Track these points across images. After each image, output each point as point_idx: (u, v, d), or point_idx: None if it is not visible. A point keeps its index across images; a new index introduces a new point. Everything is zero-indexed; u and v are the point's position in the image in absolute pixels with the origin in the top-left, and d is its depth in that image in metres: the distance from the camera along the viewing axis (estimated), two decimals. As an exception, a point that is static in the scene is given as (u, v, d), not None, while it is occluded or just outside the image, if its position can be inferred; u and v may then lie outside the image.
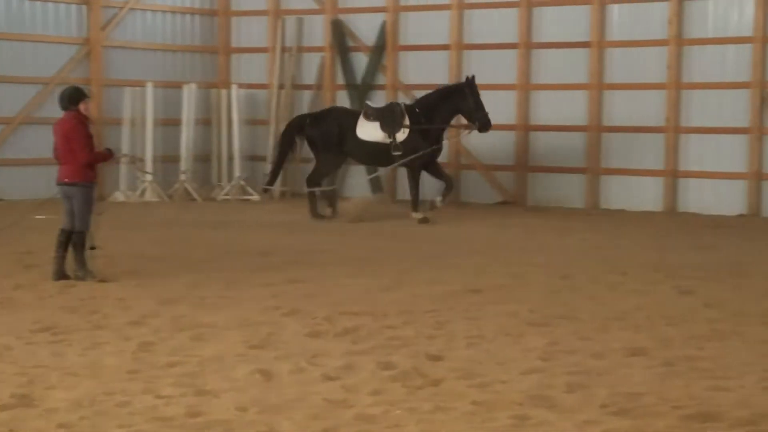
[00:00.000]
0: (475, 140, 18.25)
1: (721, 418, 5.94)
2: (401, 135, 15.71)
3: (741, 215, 16.61)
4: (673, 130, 17.10)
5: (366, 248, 13.07)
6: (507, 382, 6.69)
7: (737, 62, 16.63)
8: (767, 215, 16.52)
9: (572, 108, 17.87)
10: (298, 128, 16.46)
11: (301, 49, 20.13)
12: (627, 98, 17.11)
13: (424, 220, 15.45)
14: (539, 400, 6.28)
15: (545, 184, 18.18)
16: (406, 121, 15.72)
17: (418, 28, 19.12)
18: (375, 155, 16.13)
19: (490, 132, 16.41)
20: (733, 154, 16.75)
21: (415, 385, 6.60)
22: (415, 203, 15.79)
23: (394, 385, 6.63)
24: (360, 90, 19.47)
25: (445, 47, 18.81)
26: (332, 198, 16.42)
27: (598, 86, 17.65)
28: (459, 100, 15.67)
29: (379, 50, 19.40)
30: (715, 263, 11.87)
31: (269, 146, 19.75)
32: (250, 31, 20.58)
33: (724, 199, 16.79)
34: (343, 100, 19.64)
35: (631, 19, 17.46)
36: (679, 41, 16.99)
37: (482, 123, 15.56)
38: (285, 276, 10.76)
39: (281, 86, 20.01)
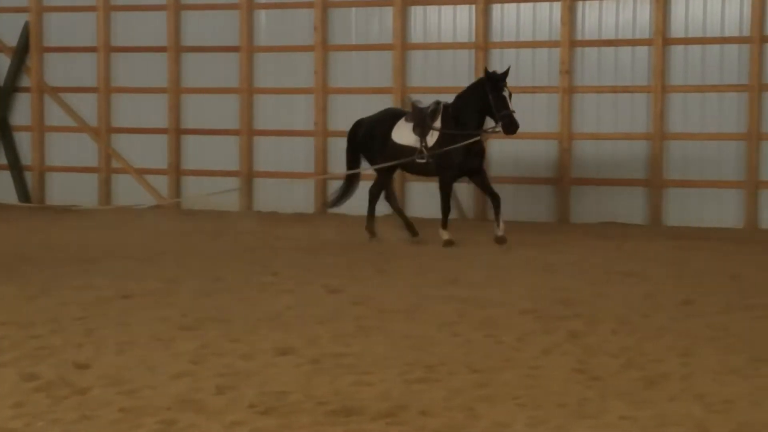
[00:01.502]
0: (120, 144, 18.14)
1: (364, 412, 6.17)
2: (430, 139, 13.76)
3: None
4: (321, 134, 17.52)
5: (12, 256, 12.58)
6: (156, 388, 6.66)
7: (380, 68, 17.31)
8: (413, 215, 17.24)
9: (225, 111, 17.97)
10: (352, 136, 14.70)
11: (-62, 49, 19.12)
12: (276, 102, 17.37)
13: (449, 243, 13.59)
14: (188, 404, 6.29)
15: (203, 187, 18.13)
16: (438, 123, 13.76)
17: (64, 29, 18.62)
18: (407, 162, 14.05)
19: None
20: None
21: (61, 395, 6.44)
22: (444, 220, 13.78)
23: (38, 395, 6.44)
24: (2, 92, 18.75)
25: (92, 49, 18.42)
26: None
27: (248, 90, 17.84)
28: (480, 98, 13.43)
29: (21, 52, 18.72)
30: (362, 261, 12.30)
31: None
32: None
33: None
34: (-15, 102, 18.85)
35: (279, 24, 17.77)
36: (326, 47, 17.48)
37: (505, 123, 13.24)
38: None
39: None
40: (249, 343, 7.97)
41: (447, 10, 17.02)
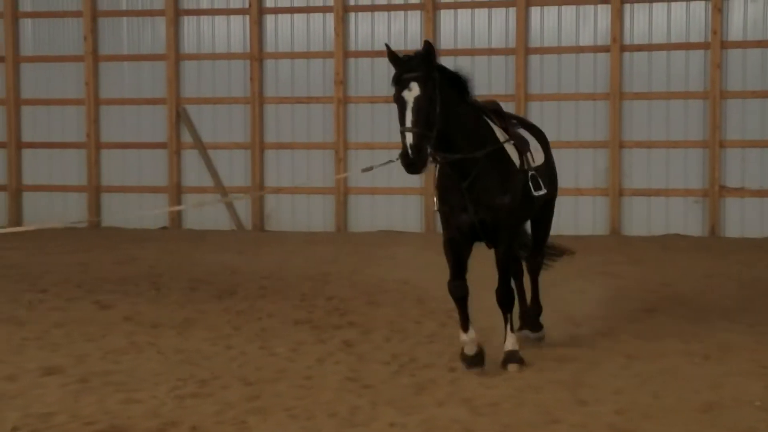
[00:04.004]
0: None
1: (132, 430, 6.04)
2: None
3: (164, 228, 17.02)
4: (94, 146, 17.14)
5: None
6: None
7: (153, 79, 17.04)
8: (187, 227, 17.05)
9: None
10: None
11: None
12: (47, 114, 16.92)
13: (466, 359, 7.54)
14: (-62, 432, 6.03)
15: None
16: None
17: None
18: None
19: None
20: (155, 168, 17.11)
21: None
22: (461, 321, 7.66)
23: None
24: None
25: None
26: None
27: (15, 101, 17.31)
28: None
29: None
30: (135, 276, 12.06)
31: None
32: None
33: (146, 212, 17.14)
34: None
35: (46, 33, 17.32)
36: (96, 57, 17.08)
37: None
38: None
39: None
40: (13, 364, 7.68)
41: (221, 20, 16.92)
